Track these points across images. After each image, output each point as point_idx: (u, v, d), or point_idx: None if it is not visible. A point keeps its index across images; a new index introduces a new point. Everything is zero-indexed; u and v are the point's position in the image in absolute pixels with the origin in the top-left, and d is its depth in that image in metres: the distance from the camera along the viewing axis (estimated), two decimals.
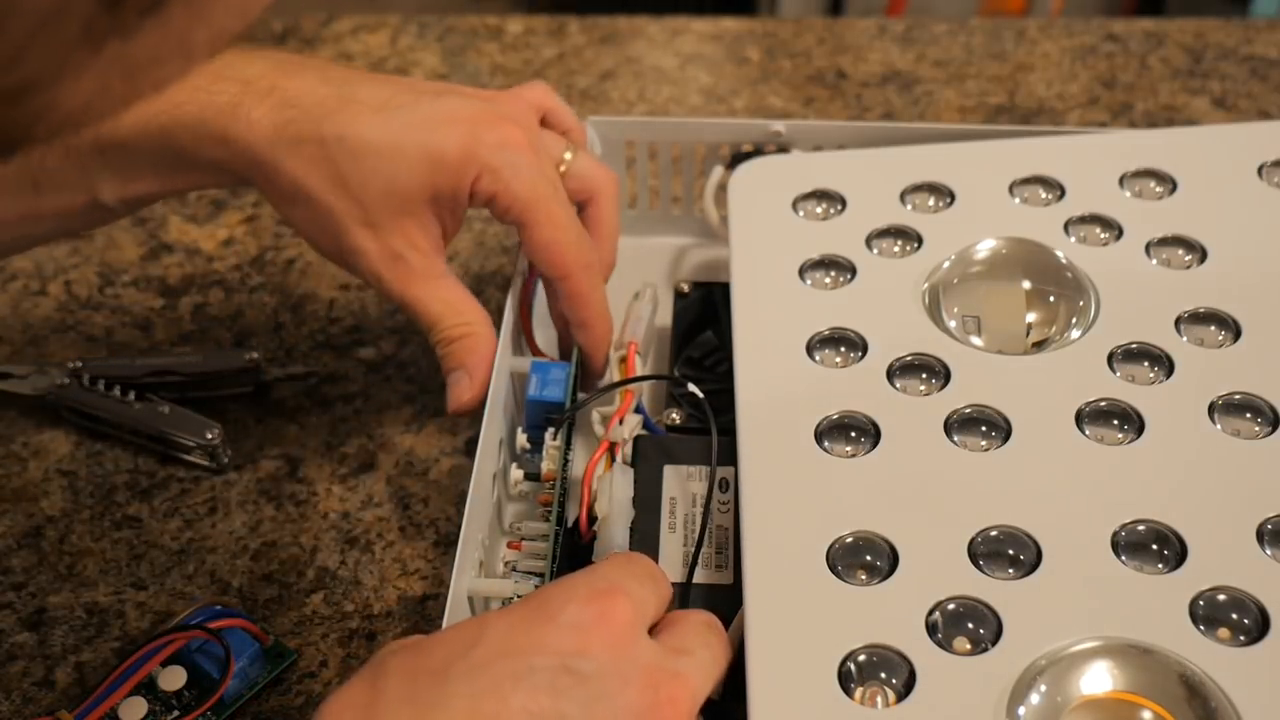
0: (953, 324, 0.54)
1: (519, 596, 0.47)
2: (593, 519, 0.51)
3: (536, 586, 0.49)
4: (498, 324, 0.57)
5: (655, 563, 0.44)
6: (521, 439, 0.55)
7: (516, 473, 0.54)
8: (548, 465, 0.53)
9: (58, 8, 0.22)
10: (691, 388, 0.54)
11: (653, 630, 0.41)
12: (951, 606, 0.43)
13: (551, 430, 0.54)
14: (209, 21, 0.25)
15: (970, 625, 0.42)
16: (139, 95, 0.26)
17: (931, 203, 0.60)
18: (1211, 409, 0.49)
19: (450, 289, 0.55)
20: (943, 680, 0.41)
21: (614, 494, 0.50)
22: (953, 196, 0.60)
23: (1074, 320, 0.53)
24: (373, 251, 0.53)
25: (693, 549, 0.49)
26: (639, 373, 0.57)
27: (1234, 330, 0.52)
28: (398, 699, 0.36)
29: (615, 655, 0.37)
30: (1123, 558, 0.44)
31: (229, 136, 0.51)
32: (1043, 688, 0.40)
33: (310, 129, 0.51)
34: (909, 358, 0.52)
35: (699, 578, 0.49)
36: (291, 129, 0.51)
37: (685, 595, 0.48)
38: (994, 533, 0.45)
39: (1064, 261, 0.56)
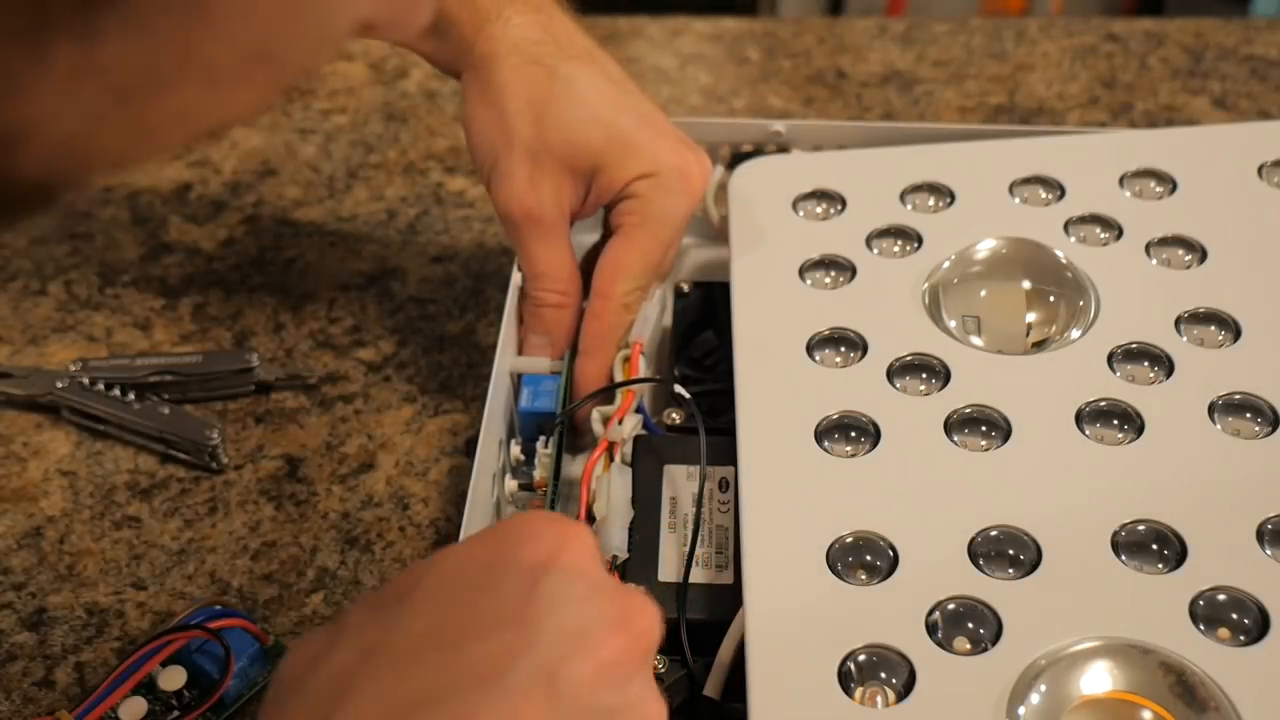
0: (953, 324, 0.54)
1: None
2: (591, 519, 0.51)
3: None
4: (497, 324, 0.57)
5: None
6: (515, 450, 0.55)
7: (511, 483, 0.54)
8: (539, 473, 0.53)
9: None
10: (678, 389, 0.54)
11: None
12: (951, 606, 0.43)
13: (543, 439, 0.54)
14: (221, 35, 0.22)
15: (970, 625, 0.42)
16: (159, 127, 0.23)
17: (931, 203, 0.60)
18: (1211, 409, 0.49)
19: (564, 253, 0.58)
20: (943, 680, 0.41)
21: (611, 494, 0.50)
22: (953, 196, 0.60)
23: (1074, 320, 0.53)
24: (521, 182, 0.56)
25: (695, 549, 0.49)
26: (642, 373, 0.57)
27: (1234, 330, 0.52)
28: (357, 628, 0.35)
29: (579, 571, 0.36)
30: (1123, 558, 0.44)
31: (483, 20, 0.55)
32: (1043, 688, 0.40)
33: (550, 58, 0.56)
34: (909, 358, 0.52)
35: (700, 578, 0.49)
36: (535, 49, 0.56)
37: (683, 595, 0.48)
38: (994, 533, 0.45)
39: (1064, 261, 0.56)
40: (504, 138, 0.56)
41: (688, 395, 0.53)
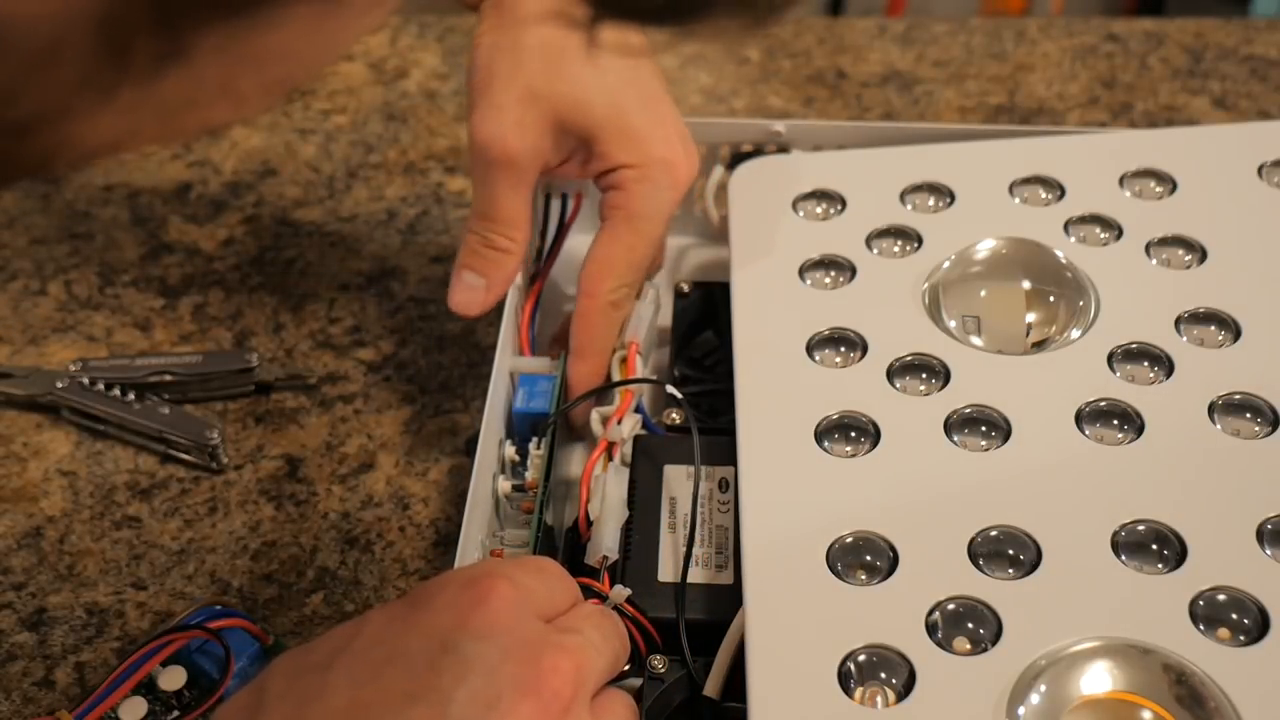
0: (953, 324, 0.54)
1: None
2: (591, 519, 0.51)
3: None
4: (497, 324, 0.57)
5: (558, 564, 0.44)
6: (510, 451, 0.55)
7: (505, 484, 0.54)
8: (531, 474, 0.53)
9: (49, 50, 0.21)
10: (670, 389, 0.54)
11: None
12: (951, 606, 0.43)
13: (535, 439, 0.54)
14: (256, 71, 0.24)
15: (970, 625, 0.42)
16: (184, 135, 0.26)
17: (931, 203, 0.60)
18: (1211, 409, 0.49)
19: (527, 202, 0.56)
20: (943, 680, 0.41)
21: (607, 494, 0.50)
22: (953, 196, 0.60)
23: (1074, 320, 0.53)
24: (510, 120, 0.54)
25: (695, 549, 0.49)
26: (639, 373, 0.57)
27: (1234, 330, 0.52)
28: (280, 695, 0.36)
29: (494, 632, 0.37)
30: (1123, 558, 0.44)
31: None
32: (1043, 688, 0.40)
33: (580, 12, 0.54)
34: (909, 358, 0.52)
35: (700, 578, 0.49)
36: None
37: (680, 595, 0.48)
38: (994, 533, 0.45)
39: (1064, 261, 0.56)
40: (510, 68, 0.54)
41: (679, 395, 0.53)
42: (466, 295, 0.56)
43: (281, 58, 0.25)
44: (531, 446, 0.54)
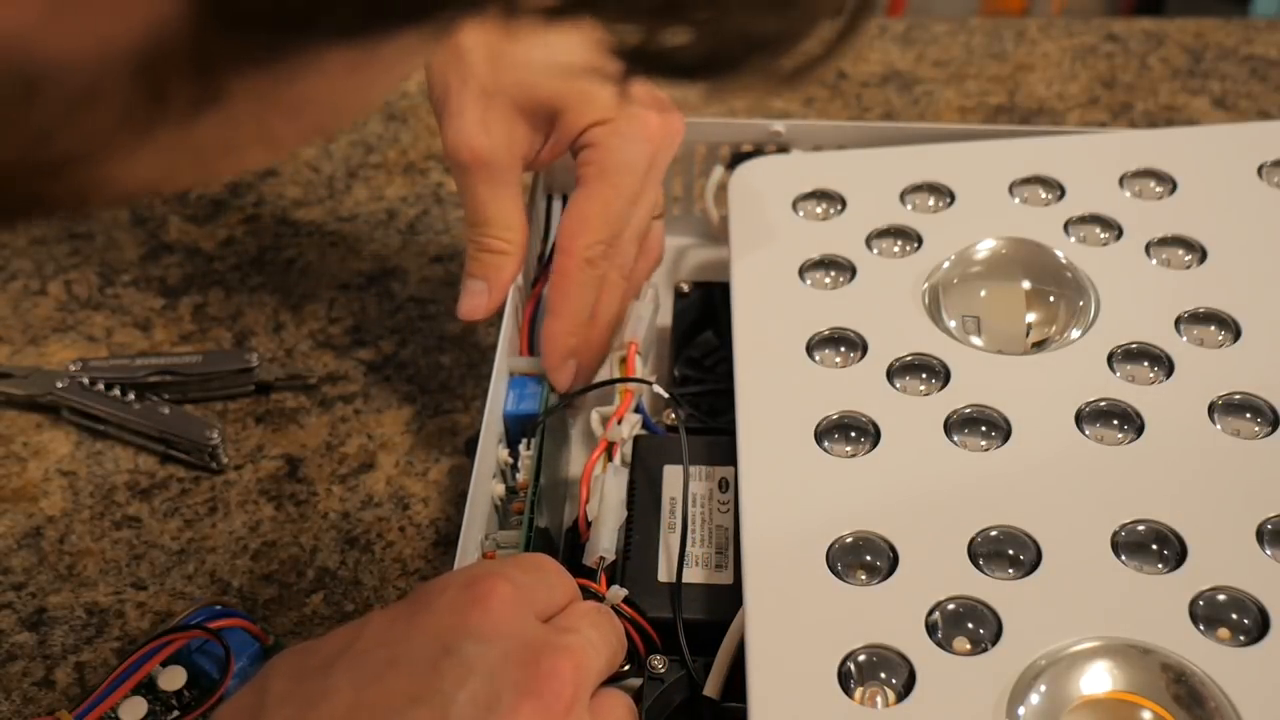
0: (953, 324, 0.54)
1: None
2: (589, 520, 0.51)
3: None
4: (497, 324, 0.57)
5: (556, 560, 0.44)
6: (503, 454, 0.55)
7: (498, 487, 0.54)
8: (521, 475, 0.53)
9: (86, 93, 0.21)
10: (657, 388, 0.54)
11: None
12: (951, 606, 0.43)
13: (525, 440, 0.54)
14: (292, 117, 0.25)
15: (970, 625, 0.42)
16: (218, 175, 0.26)
17: (931, 203, 0.60)
18: (1211, 409, 0.49)
19: (512, 200, 0.56)
20: (943, 680, 0.41)
21: (605, 495, 0.50)
22: (953, 196, 0.60)
23: (1074, 320, 0.53)
24: (471, 123, 0.53)
25: (694, 549, 0.49)
26: (638, 373, 0.57)
27: (1234, 330, 0.52)
28: (282, 697, 0.37)
29: (494, 633, 0.37)
30: (1123, 558, 0.44)
31: None
32: (1042, 688, 0.40)
33: None
34: (909, 358, 0.52)
35: (699, 578, 0.49)
36: None
37: (676, 595, 0.48)
38: (994, 533, 0.45)
39: (1064, 261, 0.56)
40: (458, 73, 0.53)
41: (665, 394, 0.54)
42: (470, 301, 0.56)
43: (316, 105, 0.25)
44: (521, 448, 0.54)
